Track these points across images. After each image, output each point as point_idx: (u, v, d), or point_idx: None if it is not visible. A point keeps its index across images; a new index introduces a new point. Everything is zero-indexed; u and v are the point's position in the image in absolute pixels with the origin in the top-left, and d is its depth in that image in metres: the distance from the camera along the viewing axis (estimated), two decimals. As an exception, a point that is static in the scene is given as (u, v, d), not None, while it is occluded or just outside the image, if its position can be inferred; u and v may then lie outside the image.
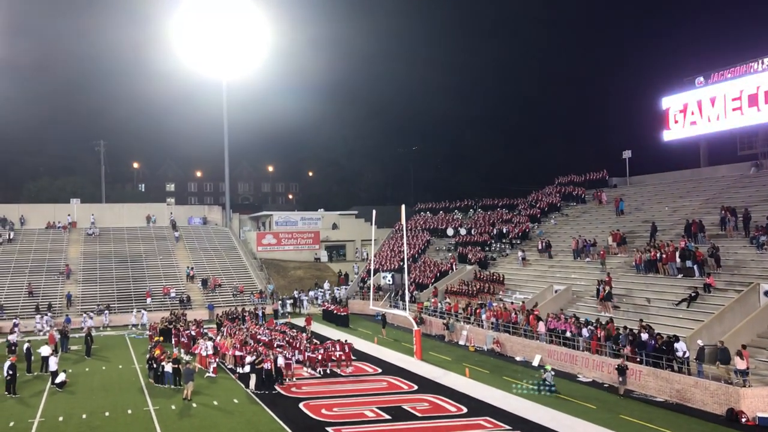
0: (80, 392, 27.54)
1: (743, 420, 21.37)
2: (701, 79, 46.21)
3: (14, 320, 44.04)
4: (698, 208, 40.72)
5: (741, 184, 41.62)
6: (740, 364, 22.64)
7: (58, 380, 28.14)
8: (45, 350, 31.36)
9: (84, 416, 23.70)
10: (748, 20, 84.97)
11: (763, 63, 41.80)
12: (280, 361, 28.60)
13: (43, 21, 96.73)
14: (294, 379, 28.75)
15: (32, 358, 31.69)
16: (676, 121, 48.00)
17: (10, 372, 27.10)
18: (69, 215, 65.00)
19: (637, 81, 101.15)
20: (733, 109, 43.44)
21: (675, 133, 48.48)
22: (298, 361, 30.58)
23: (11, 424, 22.95)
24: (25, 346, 32.68)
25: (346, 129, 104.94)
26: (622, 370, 25.36)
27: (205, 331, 37.54)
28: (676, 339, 25.22)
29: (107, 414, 23.91)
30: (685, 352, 24.56)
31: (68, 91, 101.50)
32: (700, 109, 46.04)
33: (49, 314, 46.22)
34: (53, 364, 29.02)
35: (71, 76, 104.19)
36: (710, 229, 36.00)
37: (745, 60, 43.00)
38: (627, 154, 52.47)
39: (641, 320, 28.85)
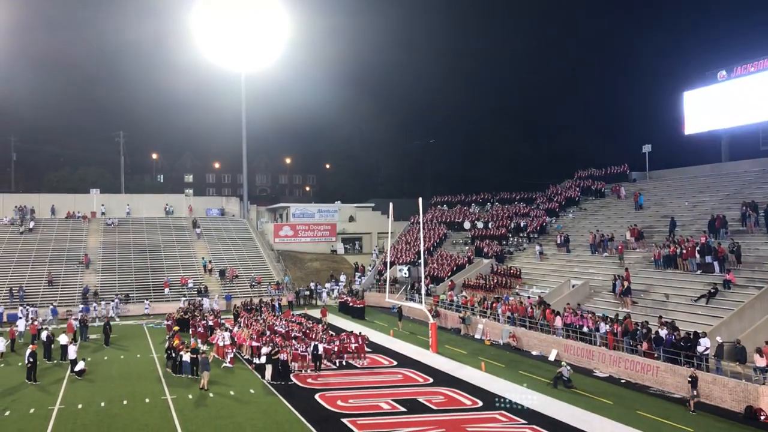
0: (99, 380, 27.87)
1: (762, 417, 21.15)
2: (724, 72, 45.58)
3: (82, 307, 45.83)
4: (719, 203, 40.22)
5: (763, 179, 40.98)
6: (759, 361, 22.40)
7: (77, 368, 28.51)
8: (63, 339, 31.89)
9: (102, 404, 24.00)
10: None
11: (788, 56, 41.22)
12: (320, 349, 29.20)
13: (65, 14, 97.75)
14: (310, 371, 28.89)
15: (52, 346, 32.15)
16: (697, 116, 47.39)
17: (31, 360, 27.52)
18: (103, 205, 65.99)
19: (659, 75, 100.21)
20: (757, 103, 42.79)
21: (696, 127, 47.91)
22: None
23: (32, 410, 23.30)
24: (44, 334, 33.10)
25: (363, 121, 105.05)
26: (694, 382, 23.13)
27: (223, 321, 37.82)
28: (701, 335, 24.90)
29: (125, 402, 24.19)
30: (707, 348, 24.31)
31: (89, 83, 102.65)
32: (722, 103, 45.41)
33: (117, 299, 48.19)
34: (72, 352, 29.40)
35: (92, 68, 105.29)
36: (731, 225, 35.54)
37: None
38: (647, 148, 51.99)
39: (660, 317, 28.63)
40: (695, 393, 22.99)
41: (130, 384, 27.09)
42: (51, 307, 44.82)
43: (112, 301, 47.94)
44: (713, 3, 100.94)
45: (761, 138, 45.40)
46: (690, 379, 23.20)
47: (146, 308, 48.12)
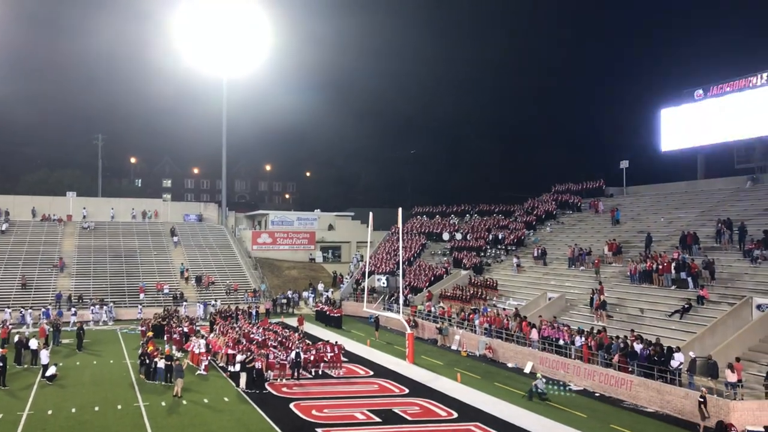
0: (70, 386, 27.45)
1: (732, 433, 21.40)
2: (700, 91, 46.34)
3: (59, 310, 45.02)
4: (694, 220, 40.80)
5: (737, 197, 41.71)
6: (731, 377, 22.67)
7: (48, 373, 28.03)
8: (33, 343, 31.38)
9: (73, 410, 23.62)
10: (748, 35, 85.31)
11: (762, 77, 41.96)
12: (303, 356, 29.41)
13: (45, 15, 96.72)
14: (285, 380, 28.71)
15: (23, 351, 31.56)
16: (674, 133, 48.10)
17: (0, 364, 27.00)
18: (84, 208, 65.37)
19: (636, 92, 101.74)
20: (732, 123, 43.54)
21: (673, 145, 48.58)
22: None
23: (0, 416, 22.89)
24: (16, 337, 32.52)
25: (345, 130, 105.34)
26: (704, 404, 21.89)
27: (198, 328, 37.50)
28: (674, 350, 25.16)
29: (97, 409, 23.84)
30: (681, 363, 24.56)
31: (68, 85, 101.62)
32: (698, 122, 46.14)
33: (111, 304, 47.82)
34: (44, 357, 28.90)
35: (72, 70, 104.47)
36: (705, 242, 36.09)
37: (745, 74, 43.19)
38: (624, 164, 52.53)
39: (632, 330, 28.97)
40: (707, 414, 21.81)
41: (103, 390, 26.71)
42: (43, 309, 44.35)
43: (106, 305, 47.30)
44: (691, 23, 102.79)
45: (736, 156, 46.15)
46: (701, 400, 21.93)
47: (139, 313, 46.77)
